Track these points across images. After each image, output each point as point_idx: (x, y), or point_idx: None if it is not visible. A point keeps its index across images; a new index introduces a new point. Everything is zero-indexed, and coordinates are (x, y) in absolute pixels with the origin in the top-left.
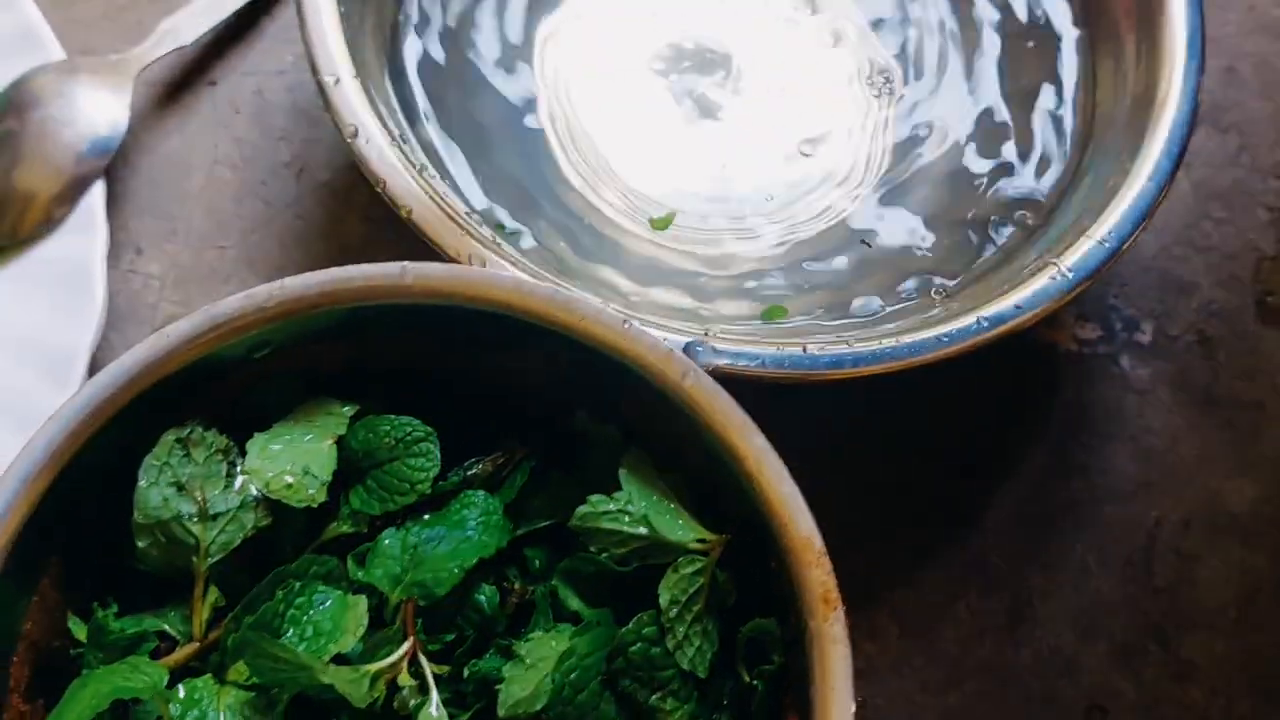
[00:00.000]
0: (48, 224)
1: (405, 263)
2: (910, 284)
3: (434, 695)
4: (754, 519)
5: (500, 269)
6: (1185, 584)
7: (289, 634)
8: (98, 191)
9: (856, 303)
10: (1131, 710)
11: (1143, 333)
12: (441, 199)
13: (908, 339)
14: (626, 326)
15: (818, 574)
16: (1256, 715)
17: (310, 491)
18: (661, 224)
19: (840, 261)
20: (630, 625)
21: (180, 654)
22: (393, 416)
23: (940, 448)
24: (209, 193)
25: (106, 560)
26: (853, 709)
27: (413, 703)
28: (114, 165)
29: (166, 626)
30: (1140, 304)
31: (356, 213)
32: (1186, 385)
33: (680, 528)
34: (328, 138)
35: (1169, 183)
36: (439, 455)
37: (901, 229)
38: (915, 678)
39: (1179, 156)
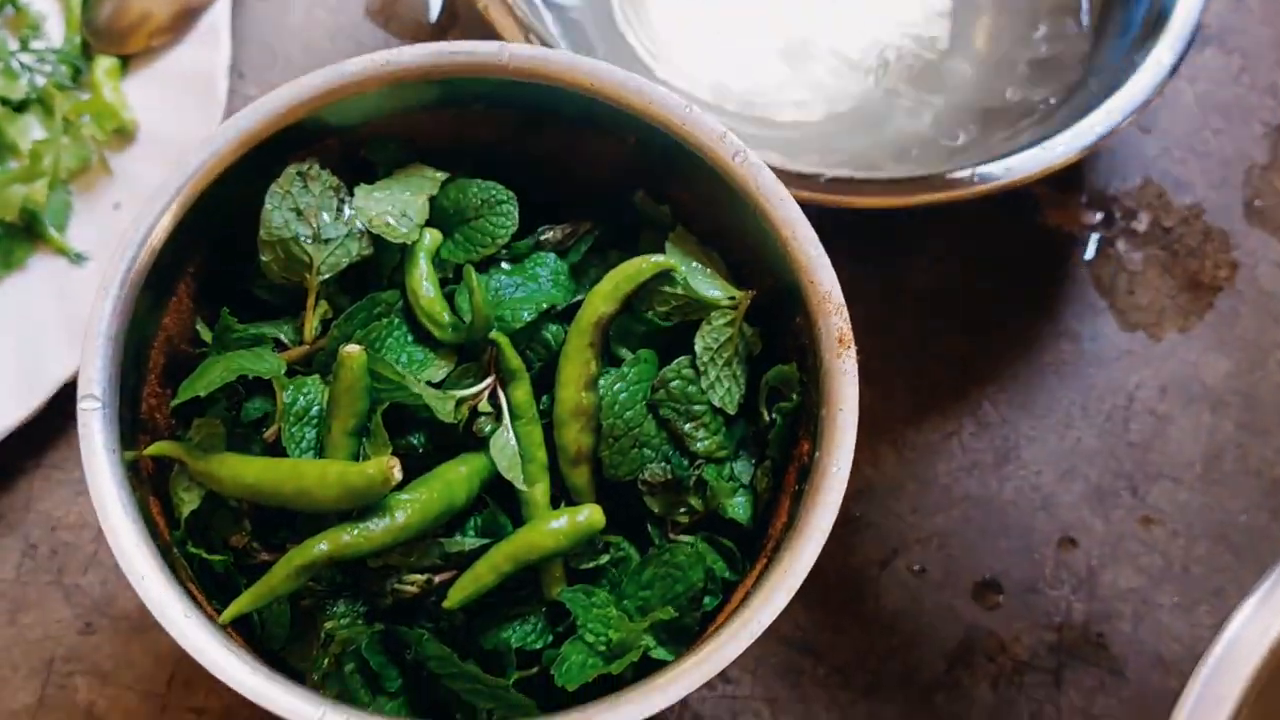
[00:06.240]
0: (171, 34)
1: (503, 42)
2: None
3: (506, 421)
4: (785, 279)
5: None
6: (1158, 440)
7: (387, 356)
8: (223, 8)
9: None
10: (1100, 543)
11: (1139, 222)
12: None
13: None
14: (688, 111)
15: (835, 320)
16: (1211, 557)
17: (405, 230)
18: None
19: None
20: (671, 365)
21: (294, 352)
22: (480, 180)
23: (953, 306)
24: (307, 30)
25: (231, 285)
26: (854, 431)
27: (489, 428)
28: None
29: (281, 335)
30: (1140, 197)
31: None
32: (1174, 271)
33: (714, 287)
34: None
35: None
36: (517, 216)
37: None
38: (908, 501)
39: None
